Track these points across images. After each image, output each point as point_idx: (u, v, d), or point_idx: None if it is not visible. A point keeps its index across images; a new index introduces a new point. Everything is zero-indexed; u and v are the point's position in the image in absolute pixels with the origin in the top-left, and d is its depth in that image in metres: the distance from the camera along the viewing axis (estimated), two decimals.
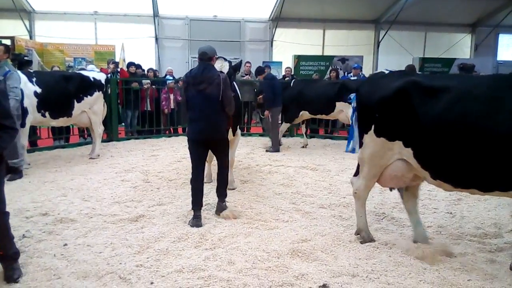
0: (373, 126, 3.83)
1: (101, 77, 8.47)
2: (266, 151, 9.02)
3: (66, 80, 7.68)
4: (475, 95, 3.26)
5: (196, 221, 4.55)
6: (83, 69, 10.75)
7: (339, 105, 9.18)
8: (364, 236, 4.14)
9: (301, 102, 9.45)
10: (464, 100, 3.28)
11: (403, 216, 4.68)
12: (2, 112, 3.11)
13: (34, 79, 7.11)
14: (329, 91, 9.30)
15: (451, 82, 3.50)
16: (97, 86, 8.19)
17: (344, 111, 9.13)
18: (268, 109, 9.26)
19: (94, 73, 8.54)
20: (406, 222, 4.49)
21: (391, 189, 4.29)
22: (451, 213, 5.09)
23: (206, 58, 4.72)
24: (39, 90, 7.09)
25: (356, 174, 4.24)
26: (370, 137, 3.88)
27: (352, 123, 8.24)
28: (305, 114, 9.63)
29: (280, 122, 9.91)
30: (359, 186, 4.14)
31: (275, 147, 9.16)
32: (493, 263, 3.66)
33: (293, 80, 10.30)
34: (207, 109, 4.60)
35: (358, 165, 4.19)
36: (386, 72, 4.25)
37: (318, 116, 10.01)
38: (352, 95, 8.71)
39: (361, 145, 4.09)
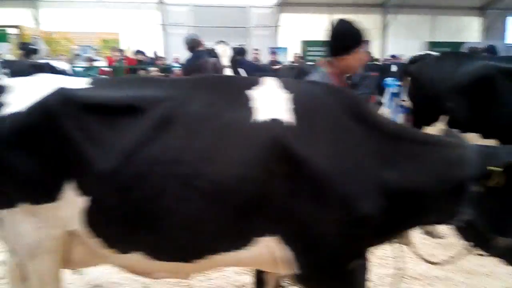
0: (440, 117, 3.39)
1: (65, 66, 8.41)
2: None
3: (36, 69, 7.60)
4: None
5: None
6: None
7: None
8: None
9: None
10: None
11: None
12: None
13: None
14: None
15: None
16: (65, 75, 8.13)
17: None
18: None
19: (56, 62, 8.56)
20: None
21: None
22: None
23: (196, 44, 4.83)
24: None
25: None
26: (435, 130, 3.37)
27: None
28: None
29: None
30: None
31: None
32: None
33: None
34: None
35: None
36: (435, 54, 3.70)
37: None
38: (389, 80, 8.36)
39: None
